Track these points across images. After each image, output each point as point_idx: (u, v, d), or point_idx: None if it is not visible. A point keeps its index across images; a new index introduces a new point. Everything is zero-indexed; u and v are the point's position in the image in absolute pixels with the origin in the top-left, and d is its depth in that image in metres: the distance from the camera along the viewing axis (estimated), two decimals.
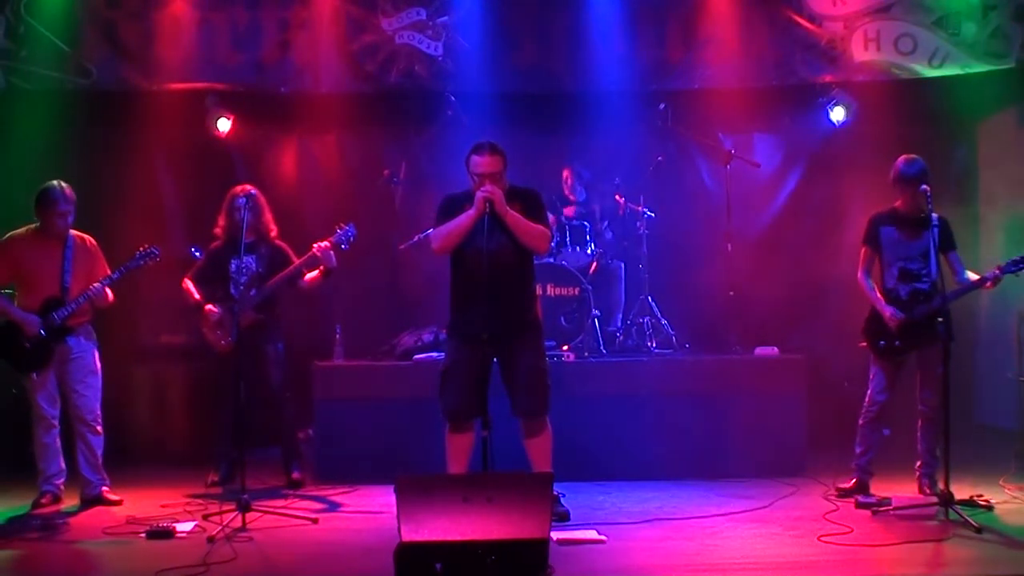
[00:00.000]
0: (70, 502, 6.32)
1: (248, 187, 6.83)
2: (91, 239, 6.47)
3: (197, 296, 6.83)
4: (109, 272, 6.36)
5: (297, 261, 6.72)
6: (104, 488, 6.38)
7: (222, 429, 6.90)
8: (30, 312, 6.19)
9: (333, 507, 6.28)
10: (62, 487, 6.35)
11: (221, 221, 6.87)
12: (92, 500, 6.31)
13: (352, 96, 8.03)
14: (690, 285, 8.13)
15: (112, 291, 6.36)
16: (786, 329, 7.85)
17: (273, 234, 6.88)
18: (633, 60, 7.95)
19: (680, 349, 7.59)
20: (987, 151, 8.35)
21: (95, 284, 6.25)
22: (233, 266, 6.74)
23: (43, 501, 6.23)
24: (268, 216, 6.88)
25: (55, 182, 6.29)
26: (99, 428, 6.37)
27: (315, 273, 6.70)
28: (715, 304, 7.77)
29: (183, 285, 6.87)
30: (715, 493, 6.46)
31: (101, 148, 8.04)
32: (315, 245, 6.56)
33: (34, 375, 6.23)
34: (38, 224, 6.31)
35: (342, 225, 6.64)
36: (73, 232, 6.35)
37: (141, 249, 6.37)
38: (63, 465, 6.35)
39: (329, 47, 7.80)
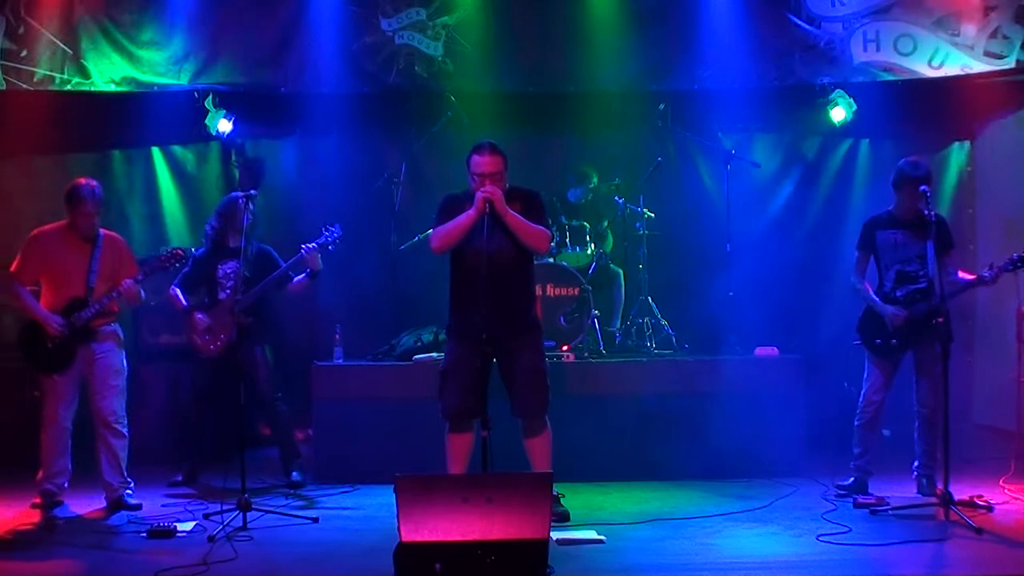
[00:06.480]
0: (71, 502, 6.30)
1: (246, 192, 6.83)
2: (120, 238, 6.34)
3: (184, 303, 6.83)
4: (137, 271, 6.18)
5: (284, 264, 6.73)
6: (125, 492, 6.23)
7: (190, 429, 7.00)
8: (55, 312, 6.07)
9: (333, 507, 6.29)
10: (64, 486, 6.28)
11: (215, 223, 6.86)
12: (113, 504, 6.18)
13: (352, 96, 8.02)
14: (690, 285, 8.12)
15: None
16: (785, 329, 7.85)
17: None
18: (633, 60, 7.93)
19: (680, 349, 7.59)
20: (986, 151, 8.35)
21: (125, 281, 6.07)
22: (220, 271, 6.75)
23: (44, 501, 6.18)
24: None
25: (84, 180, 6.14)
26: (122, 430, 6.21)
27: (302, 277, 6.72)
28: (715, 304, 7.76)
29: (171, 292, 6.84)
30: (715, 493, 6.47)
31: (101, 148, 8.03)
32: (302, 246, 6.58)
33: (55, 376, 6.12)
34: (67, 221, 6.15)
35: (328, 227, 6.65)
36: (103, 231, 6.22)
37: (167, 251, 6.25)
38: (68, 465, 6.24)
39: (329, 47, 7.79)
